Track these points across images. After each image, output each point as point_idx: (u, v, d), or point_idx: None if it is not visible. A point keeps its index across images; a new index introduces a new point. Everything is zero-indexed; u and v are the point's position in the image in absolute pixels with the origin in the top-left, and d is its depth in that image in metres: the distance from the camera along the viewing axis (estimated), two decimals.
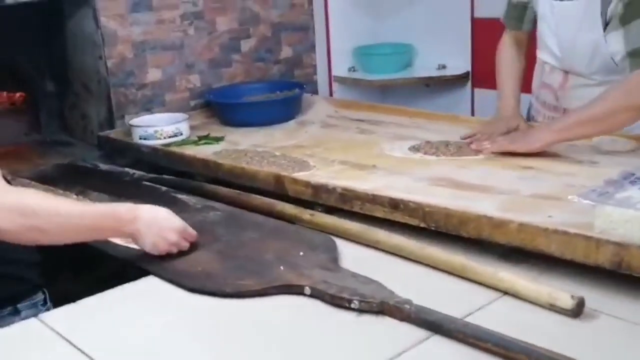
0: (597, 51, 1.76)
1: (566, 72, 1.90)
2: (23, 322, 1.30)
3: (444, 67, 2.91)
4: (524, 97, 2.06)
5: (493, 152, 1.81)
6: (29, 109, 2.74)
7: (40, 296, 1.50)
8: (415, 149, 1.94)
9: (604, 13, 1.71)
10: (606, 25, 1.71)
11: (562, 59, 1.89)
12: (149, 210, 1.42)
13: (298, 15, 2.84)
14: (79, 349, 1.16)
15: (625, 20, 1.67)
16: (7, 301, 1.43)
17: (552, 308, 1.17)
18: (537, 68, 2.04)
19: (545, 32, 1.91)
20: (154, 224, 1.41)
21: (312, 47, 2.91)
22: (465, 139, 1.95)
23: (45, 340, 1.21)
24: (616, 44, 1.71)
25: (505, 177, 1.66)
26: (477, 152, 1.84)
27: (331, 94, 2.98)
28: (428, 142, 1.98)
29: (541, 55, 1.98)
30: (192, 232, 1.47)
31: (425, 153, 1.89)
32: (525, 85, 2.06)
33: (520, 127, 1.92)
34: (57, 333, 1.22)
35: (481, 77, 2.77)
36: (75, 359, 1.14)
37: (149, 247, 1.42)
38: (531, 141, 1.77)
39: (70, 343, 1.19)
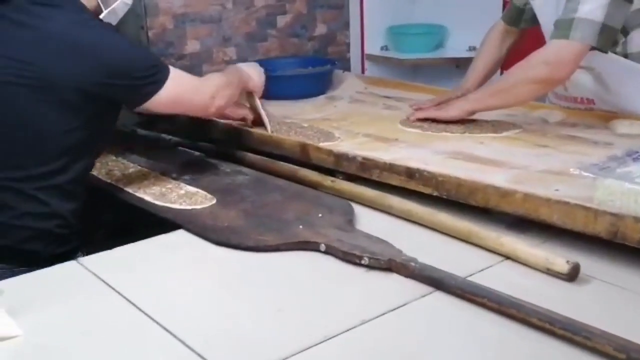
0: None
1: None
2: (63, 264, 1.43)
3: (474, 48, 2.94)
4: None
5: (418, 119, 1.97)
6: None
7: (80, 256, 1.63)
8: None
9: None
10: None
11: None
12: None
13: None
14: (115, 290, 1.29)
15: None
16: (53, 259, 1.56)
17: (549, 272, 1.25)
18: None
19: (541, 29, 2.00)
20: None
21: (346, 25, 3.00)
22: (413, 106, 2.09)
23: (83, 281, 1.34)
24: None
25: (520, 153, 1.73)
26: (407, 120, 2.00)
27: (363, 72, 3.06)
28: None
29: None
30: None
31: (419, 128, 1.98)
32: None
33: None
34: (95, 275, 1.35)
35: (510, 60, 2.81)
36: (112, 300, 1.26)
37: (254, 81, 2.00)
38: (448, 109, 1.94)
39: (107, 284, 1.31)
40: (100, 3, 1.65)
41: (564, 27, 1.71)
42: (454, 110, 1.93)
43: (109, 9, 1.67)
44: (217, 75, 1.84)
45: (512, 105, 1.93)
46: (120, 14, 1.73)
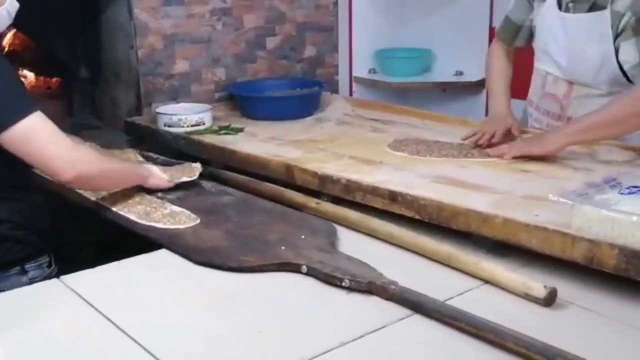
0: (605, 62, 1.85)
1: (570, 83, 1.98)
2: (45, 282, 1.44)
3: (460, 73, 3.00)
4: (518, 103, 2.17)
5: (514, 157, 1.85)
6: (63, 94, 2.90)
7: (45, 258, 1.65)
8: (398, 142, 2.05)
9: (614, 26, 1.80)
10: (617, 36, 1.81)
11: (568, 69, 1.97)
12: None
13: (323, 16, 2.96)
14: (96, 309, 1.29)
15: (638, 31, 1.77)
16: (16, 262, 1.58)
17: (527, 297, 1.27)
18: (537, 79, 2.11)
19: (550, 44, 1.99)
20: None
21: (335, 48, 3.03)
22: (466, 139, 2.02)
23: (65, 299, 1.35)
24: (627, 53, 1.81)
25: (502, 178, 1.74)
26: (499, 156, 1.88)
27: (351, 94, 3.08)
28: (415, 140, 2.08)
29: (542, 66, 2.06)
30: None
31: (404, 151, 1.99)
32: (521, 92, 2.16)
33: (514, 125, 1.99)
34: (77, 293, 1.35)
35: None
36: (93, 318, 1.27)
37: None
38: (546, 144, 1.84)
39: (88, 303, 1.31)
40: None
41: None
42: (550, 145, 1.83)
43: None
44: (95, 151, 1.78)
45: (616, 136, 1.88)
46: (4, 22, 1.61)
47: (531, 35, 2.05)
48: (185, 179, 1.90)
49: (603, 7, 1.82)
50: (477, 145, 1.97)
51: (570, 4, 1.90)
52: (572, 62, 1.95)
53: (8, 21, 1.62)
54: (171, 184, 1.87)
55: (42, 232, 1.64)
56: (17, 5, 1.62)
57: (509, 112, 2.06)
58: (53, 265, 1.64)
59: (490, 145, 1.95)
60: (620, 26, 1.80)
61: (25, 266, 1.58)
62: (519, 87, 2.17)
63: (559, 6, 1.92)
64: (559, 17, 1.94)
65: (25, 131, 1.49)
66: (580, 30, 1.89)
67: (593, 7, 1.85)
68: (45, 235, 1.65)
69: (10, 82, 1.54)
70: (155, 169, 1.89)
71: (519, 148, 1.89)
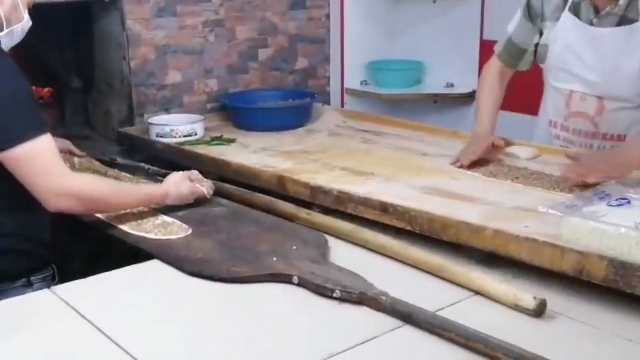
0: None
1: (600, 98, 1.91)
2: (37, 292, 1.44)
3: (451, 85, 3.02)
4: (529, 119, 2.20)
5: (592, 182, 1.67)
6: (55, 104, 2.90)
7: (50, 271, 1.64)
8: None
9: None
10: None
11: (601, 85, 1.90)
12: (172, 185, 1.80)
13: (315, 28, 2.97)
14: (87, 319, 1.29)
15: None
16: (21, 274, 1.58)
17: (517, 308, 1.28)
18: (558, 98, 2.01)
19: (575, 62, 1.92)
20: (177, 191, 1.79)
21: (327, 60, 3.04)
22: (454, 163, 1.96)
23: (56, 310, 1.34)
24: None
25: (494, 190, 1.75)
26: (577, 184, 1.71)
27: (342, 106, 3.09)
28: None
29: (564, 85, 1.98)
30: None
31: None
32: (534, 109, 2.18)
33: (497, 142, 1.97)
34: (68, 304, 1.35)
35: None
36: (84, 329, 1.26)
37: (183, 200, 1.81)
38: (625, 166, 1.71)
39: (79, 313, 1.31)
40: (3, 21, 1.56)
41: None
42: (630, 167, 1.69)
43: (8, 29, 1.58)
44: (95, 182, 1.71)
45: None
46: (17, 38, 1.63)
47: (535, 58, 2.03)
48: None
49: (634, 20, 1.80)
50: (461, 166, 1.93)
51: (595, 19, 1.86)
52: (606, 77, 1.89)
53: (20, 37, 1.64)
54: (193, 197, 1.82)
55: (45, 244, 1.64)
56: (30, 23, 1.64)
57: (490, 134, 2.02)
58: (56, 279, 1.63)
59: (473, 164, 1.91)
60: None
61: (31, 278, 1.58)
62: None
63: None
64: (585, 33, 1.88)
65: (23, 155, 1.48)
66: (612, 44, 1.84)
67: (622, 21, 1.82)
68: (48, 247, 1.65)
69: (20, 101, 1.51)
70: (172, 187, 1.79)
71: (599, 174, 1.68)
